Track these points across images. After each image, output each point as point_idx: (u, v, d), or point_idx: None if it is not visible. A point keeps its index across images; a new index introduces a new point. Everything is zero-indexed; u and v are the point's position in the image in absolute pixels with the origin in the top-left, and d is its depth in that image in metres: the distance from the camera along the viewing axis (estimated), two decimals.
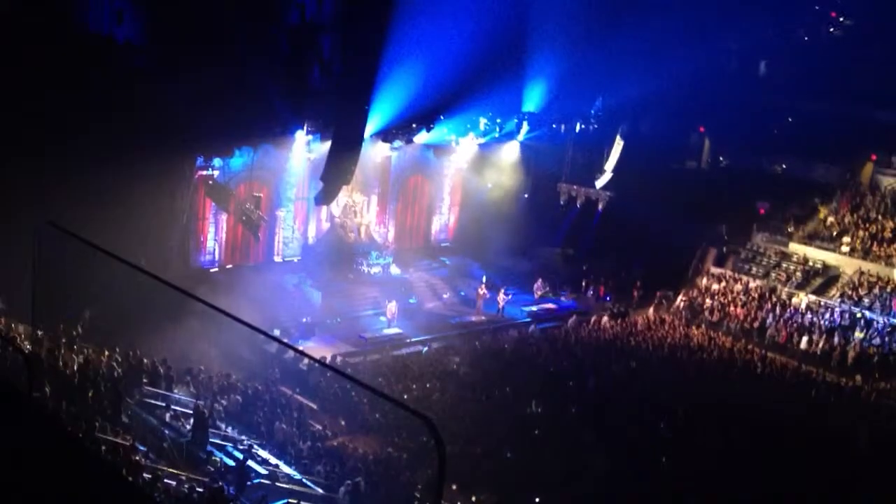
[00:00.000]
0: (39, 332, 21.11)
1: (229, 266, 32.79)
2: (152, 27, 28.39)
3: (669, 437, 22.71)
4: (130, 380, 21.70)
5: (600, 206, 40.87)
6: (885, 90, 38.87)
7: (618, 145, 40.70)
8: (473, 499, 18.23)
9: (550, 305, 37.73)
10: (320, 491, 18.49)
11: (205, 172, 30.47)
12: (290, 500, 17.77)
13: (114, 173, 23.82)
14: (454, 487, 18.37)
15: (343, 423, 22.87)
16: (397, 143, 36.59)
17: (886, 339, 32.74)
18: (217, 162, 30.63)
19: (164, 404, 21.61)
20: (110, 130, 24.62)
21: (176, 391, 22.49)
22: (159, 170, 26.22)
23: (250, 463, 18.71)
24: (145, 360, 22.77)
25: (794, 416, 25.26)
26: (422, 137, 37.08)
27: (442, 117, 36.70)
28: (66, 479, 4.36)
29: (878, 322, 33.95)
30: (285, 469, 19.40)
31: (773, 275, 37.96)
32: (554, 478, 19.69)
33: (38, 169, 23.12)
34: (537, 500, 18.27)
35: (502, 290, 35.85)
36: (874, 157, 42.73)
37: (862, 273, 36.48)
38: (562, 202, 42.05)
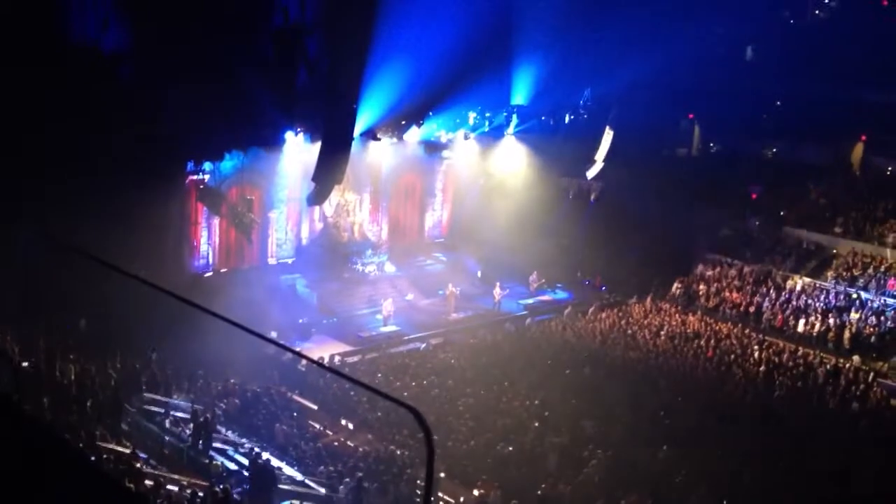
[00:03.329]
0: (38, 343, 21.14)
1: (224, 270, 32.75)
2: (138, 35, 28.33)
3: (668, 423, 22.74)
4: (129, 387, 21.71)
5: (593, 197, 40.93)
6: (871, 71, 39.00)
7: (607, 136, 40.76)
8: (476, 493, 18.24)
9: (546, 297, 37.78)
10: (323, 491, 18.52)
11: (195, 177, 30.48)
12: (293, 501, 17.81)
13: (104, 181, 23.81)
14: (456, 482, 18.43)
15: (343, 422, 22.89)
16: (387, 141, 36.58)
17: (882, 318, 32.83)
18: (207, 166, 30.62)
19: (163, 410, 21.66)
20: (100, 139, 24.60)
21: (175, 397, 22.52)
22: (150, 176, 26.16)
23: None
24: (143, 367, 22.78)
25: (792, 399, 25.36)
26: (412, 134, 37.12)
27: (431, 113, 36.79)
28: (65, 491, 4.35)
29: (873, 302, 34.06)
30: (287, 470, 19.43)
31: (767, 258, 38.04)
32: (555, 470, 19.73)
33: (28, 179, 23.07)
34: (539, 492, 18.29)
35: (498, 285, 35.86)
36: (864, 138, 42.86)
37: (856, 254, 36.56)
38: (554, 194, 42.07)
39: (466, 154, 40.80)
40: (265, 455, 19.18)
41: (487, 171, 41.67)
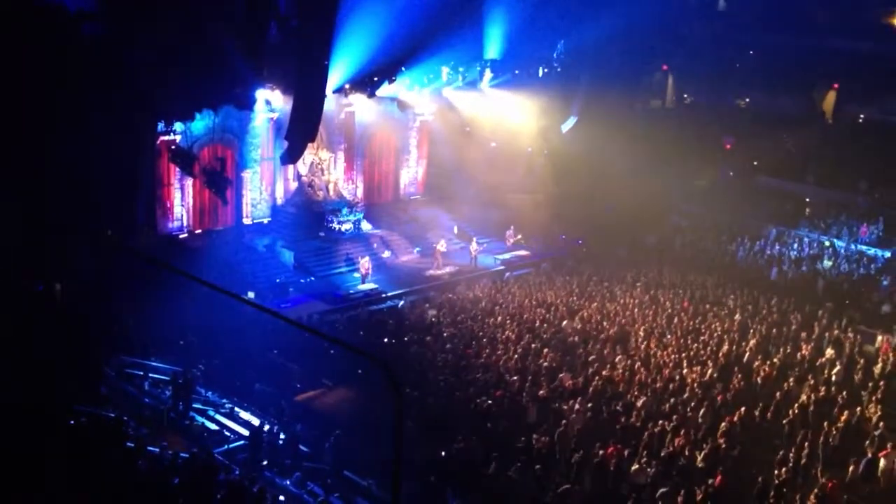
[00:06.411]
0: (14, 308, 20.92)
1: (198, 231, 32.55)
2: None
3: (645, 374, 23.00)
4: (107, 350, 21.64)
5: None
6: (843, 20, 39.05)
7: (581, 91, 40.81)
8: (456, 447, 18.41)
9: (523, 252, 37.89)
10: (303, 448, 18.66)
11: (167, 138, 30.11)
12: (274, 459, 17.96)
13: (74, 144, 23.43)
14: (437, 437, 18.60)
15: (323, 380, 22.97)
16: (360, 98, 36.26)
17: (855, 265, 33.24)
18: (179, 126, 30.23)
19: (142, 373, 21.65)
20: (68, 100, 24.16)
21: (154, 359, 22.48)
22: (120, 138, 25.79)
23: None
24: (121, 330, 22.68)
25: (766, 347, 25.69)
26: (385, 90, 36.75)
27: (404, 69, 36.39)
28: (51, 453, 4.35)
29: (845, 249, 34.46)
30: (268, 429, 19.51)
31: (741, 208, 38.29)
32: (534, 421, 19.95)
33: None
34: (519, 445, 18.50)
35: (475, 240, 35.91)
36: (836, 86, 43.03)
37: (828, 202, 36.91)
38: (529, 149, 42.03)
39: (440, 110, 40.55)
40: (242, 415, 19.28)
41: (461, 126, 41.46)
